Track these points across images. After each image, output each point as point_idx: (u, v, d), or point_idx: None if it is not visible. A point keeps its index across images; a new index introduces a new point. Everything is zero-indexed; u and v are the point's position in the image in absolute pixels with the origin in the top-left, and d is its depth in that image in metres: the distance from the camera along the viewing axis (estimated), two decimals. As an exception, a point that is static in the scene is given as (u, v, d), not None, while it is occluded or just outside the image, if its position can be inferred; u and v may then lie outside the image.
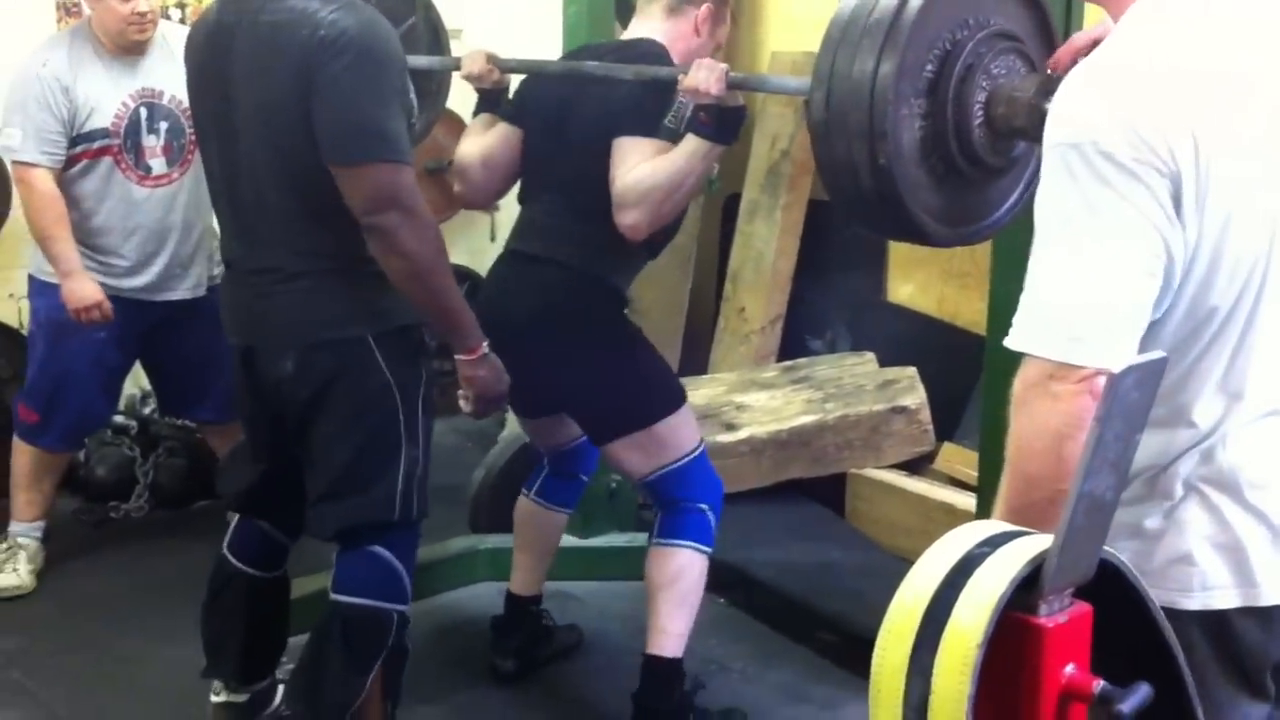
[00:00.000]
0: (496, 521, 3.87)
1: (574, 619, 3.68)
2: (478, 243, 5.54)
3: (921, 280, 4.70)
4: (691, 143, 2.78)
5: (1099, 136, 1.53)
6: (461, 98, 3.34)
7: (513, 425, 4.26)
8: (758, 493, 4.31)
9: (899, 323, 4.76)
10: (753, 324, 5.01)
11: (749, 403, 4.48)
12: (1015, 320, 1.59)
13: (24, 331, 4.25)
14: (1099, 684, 1.29)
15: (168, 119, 3.85)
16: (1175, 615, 1.58)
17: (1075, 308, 1.55)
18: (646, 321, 4.83)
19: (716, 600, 3.80)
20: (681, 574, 3.07)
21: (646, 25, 3.09)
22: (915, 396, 4.32)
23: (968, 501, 3.81)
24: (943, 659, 1.25)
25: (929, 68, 2.19)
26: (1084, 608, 1.33)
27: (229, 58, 2.60)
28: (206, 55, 2.67)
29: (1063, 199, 1.57)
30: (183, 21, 4.69)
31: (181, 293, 3.94)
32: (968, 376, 4.14)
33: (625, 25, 3.25)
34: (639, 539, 3.74)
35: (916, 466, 4.37)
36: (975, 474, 3.42)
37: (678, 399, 3.11)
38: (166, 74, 3.80)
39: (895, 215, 2.23)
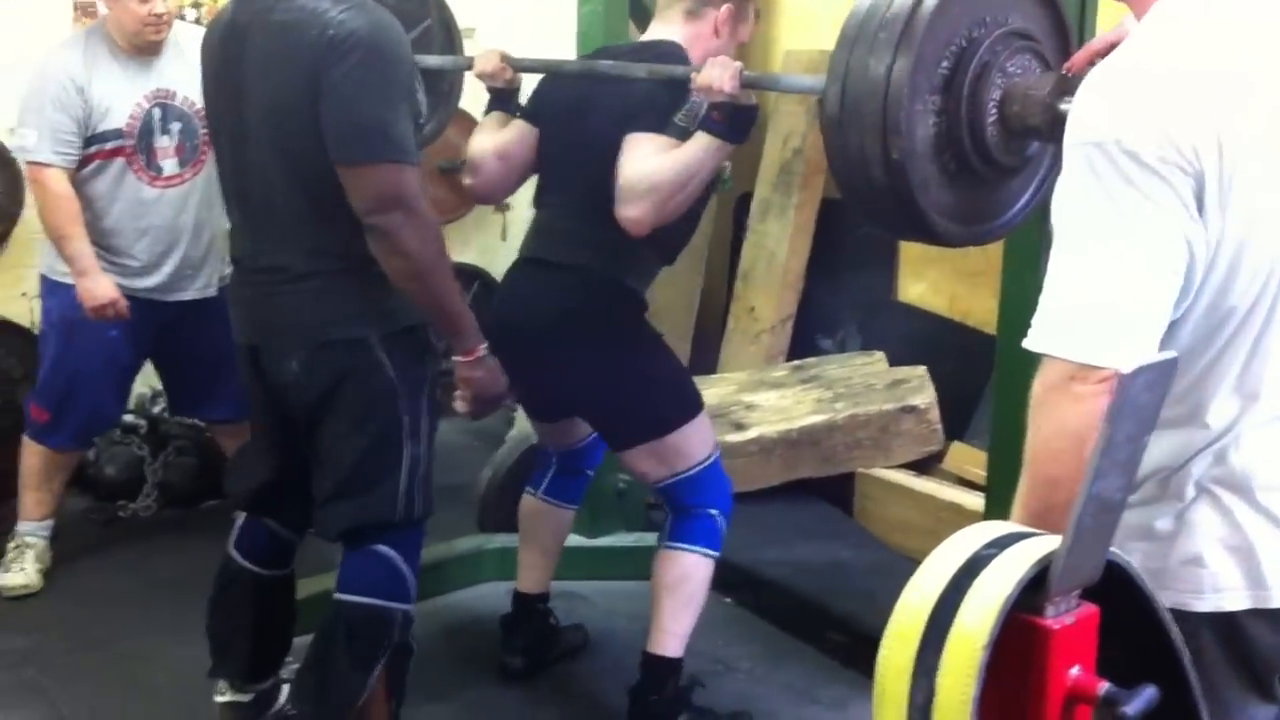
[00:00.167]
0: (504, 521, 3.87)
1: (581, 619, 3.68)
2: (489, 241, 5.54)
3: (933, 279, 4.69)
4: (702, 139, 2.77)
5: (1123, 135, 1.52)
6: (474, 98, 3.34)
7: (521, 425, 4.27)
8: (767, 492, 4.31)
9: (910, 322, 4.75)
10: (763, 323, 5.01)
11: (758, 402, 4.47)
12: (1035, 321, 1.58)
13: (36, 331, 4.25)
14: (1104, 686, 1.29)
15: (180, 120, 3.85)
16: (1185, 617, 1.57)
17: (1096, 308, 1.53)
18: (658, 320, 4.83)
19: (724, 600, 3.80)
20: (687, 578, 3.08)
21: (666, 28, 3.07)
22: (925, 396, 4.32)
23: (977, 501, 3.80)
24: (948, 660, 1.25)
25: (944, 64, 2.19)
26: (1090, 609, 1.32)
27: (241, 57, 2.61)
28: (220, 55, 2.68)
29: (1085, 198, 1.56)
30: (198, 22, 4.70)
31: (192, 293, 3.95)
32: (979, 376, 4.13)
33: (640, 25, 3.23)
34: (646, 539, 3.74)
35: (926, 466, 4.36)
36: (985, 474, 3.41)
37: (695, 406, 3.10)
38: (180, 75, 3.81)
39: (907, 212, 2.22)
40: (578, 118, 3.02)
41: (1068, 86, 2.18)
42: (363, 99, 2.49)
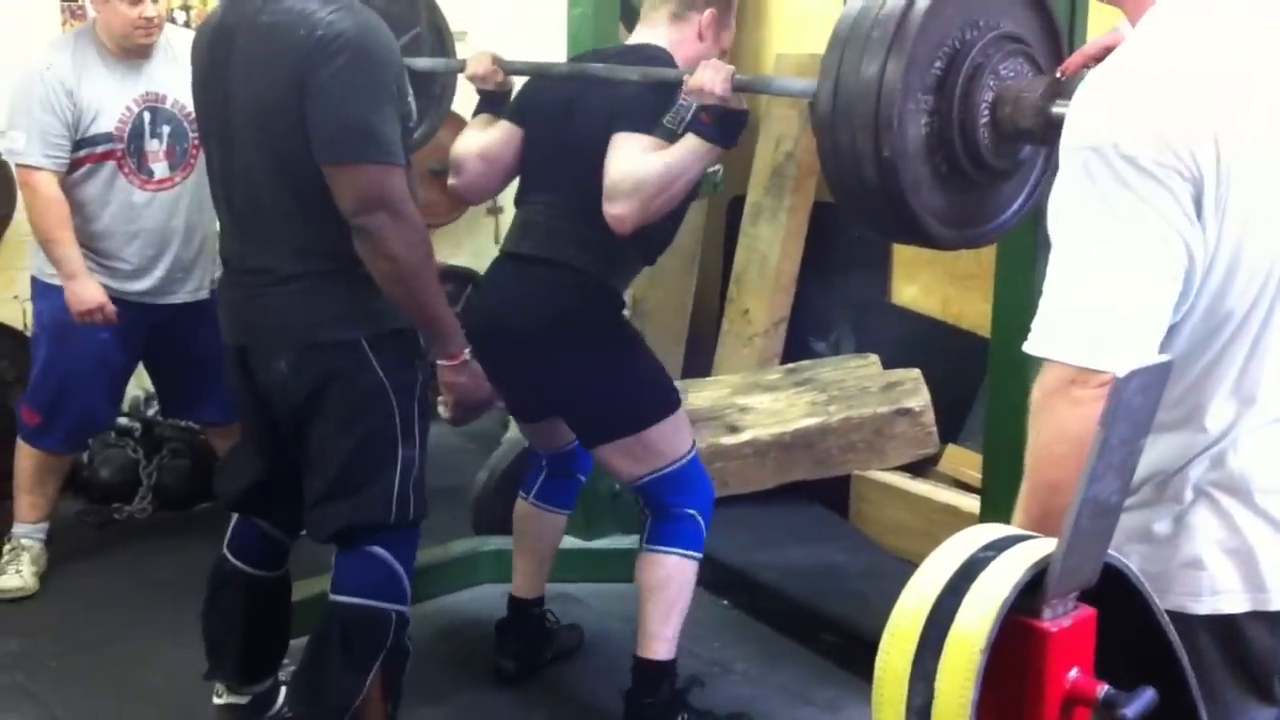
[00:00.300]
0: (499, 523, 3.86)
1: (576, 621, 3.68)
2: (482, 244, 5.53)
3: (926, 282, 4.69)
4: (690, 141, 2.77)
5: (1120, 139, 1.52)
6: (467, 101, 3.33)
7: (516, 427, 4.26)
8: (761, 495, 4.30)
9: (903, 325, 4.76)
10: (756, 326, 5.01)
11: (752, 405, 4.47)
12: (1034, 325, 1.58)
13: (28, 333, 4.25)
14: (1103, 689, 1.29)
15: (170, 123, 3.85)
16: (1184, 620, 1.58)
17: (1096, 312, 1.53)
18: (651, 323, 4.85)
19: (719, 602, 3.80)
20: (670, 580, 3.08)
21: (651, 32, 3.09)
22: (919, 398, 4.32)
23: (972, 504, 3.80)
24: (946, 664, 1.25)
25: (937, 64, 2.19)
26: (1088, 612, 1.32)
27: (229, 59, 2.61)
28: (208, 57, 2.68)
29: (1082, 202, 1.56)
30: (187, 25, 4.69)
31: (184, 296, 3.95)
32: (972, 378, 4.13)
33: (630, 28, 3.24)
34: (642, 541, 3.74)
35: (920, 469, 4.36)
36: (979, 476, 3.41)
37: (672, 404, 3.10)
38: (170, 78, 3.79)
39: (899, 214, 2.22)
40: (564, 119, 3.03)
41: (1060, 90, 2.19)
42: (349, 100, 2.49)
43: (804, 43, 4.90)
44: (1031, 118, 2.19)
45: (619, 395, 3.05)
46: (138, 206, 3.83)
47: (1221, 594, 1.65)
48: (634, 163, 2.80)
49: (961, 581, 1.29)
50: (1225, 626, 1.66)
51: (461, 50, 3.63)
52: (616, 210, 2.81)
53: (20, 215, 4.10)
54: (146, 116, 3.81)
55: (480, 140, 3.14)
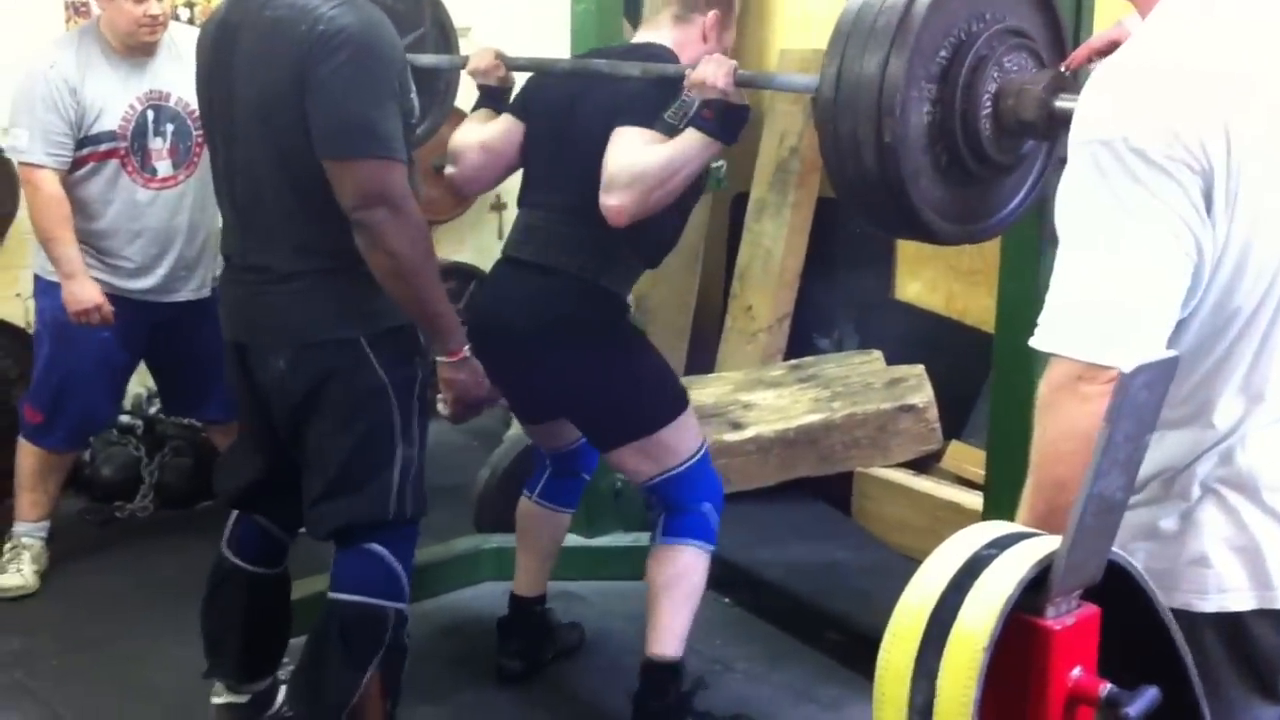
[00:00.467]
0: (501, 521, 3.86)
1: (578, 619, 3.67)
2: (485, 241, 5.53)
3: (929, 278, 4.69)
4: (692, 136, 2.77)
5: (1130, 133, 1.51)
6: (470, 97, 3.33)
7: (518, 425, 4.26)
8: (764, 492, 4.30)
9: (907, 321, 4.75)
10: (760, 322, 5.00)
11: (756, 401, 4.47)
12: (1041, 320, 1.57)
13: (30, 331, 4.24)
14: (1106, 687, 1.28)
15: (174, 121, 3.84)
16: (1190, 617, 1.57)
17: (1104, 307, 1.52)
18: (654, 320, 4.84)
19: (722, 600, 3.79)
20: (686, 573, 3.07)
21: (655, 33, 3.08)
22: (923, 395, 4.31)
23: (975, 500, 3.79)
24: (948, 662, 1.24)
25: (942, 54, 2.20)
26: (1092, 610, 1.32)
27: (232, 55, 2.61)
28: (212, 53, 2.68)
29: (1092, 197, 1.54)
30: (191, 22, 4.68)
31: (187, 294, 3.94)
32: (976, 375, 4.12)
33: (634, 24, 3.23)
34: (644, 539, 3.72)
35: (924, 465, 4.35)
36: (983, 473, 3.40)
37: (681, 404, 3.10)
38: (174, 76, 3.79)
39: (899, 204, 2.21)
40: (566, 115, 3.02)
41: (1064, 84, 2.18)
42: (351, 95, 2.48)
43: (808, 38, 4.90)
44: (1034, 110, 2.19)
45: (626, 398, 3.04)
46: (141, 205, 3.83)
47: (1228, 591, 1.64)
48: (633, 155, 2.79)
49: (965, 579, 1.28)
50: (1231, 624, 1.65)
51: (465, 46, 3.63)
52: (614, 201, 2.80)
53: (23, 213, 4.10)
54: (150, 115, 3.81)
55: (481, 132, 3.13)
